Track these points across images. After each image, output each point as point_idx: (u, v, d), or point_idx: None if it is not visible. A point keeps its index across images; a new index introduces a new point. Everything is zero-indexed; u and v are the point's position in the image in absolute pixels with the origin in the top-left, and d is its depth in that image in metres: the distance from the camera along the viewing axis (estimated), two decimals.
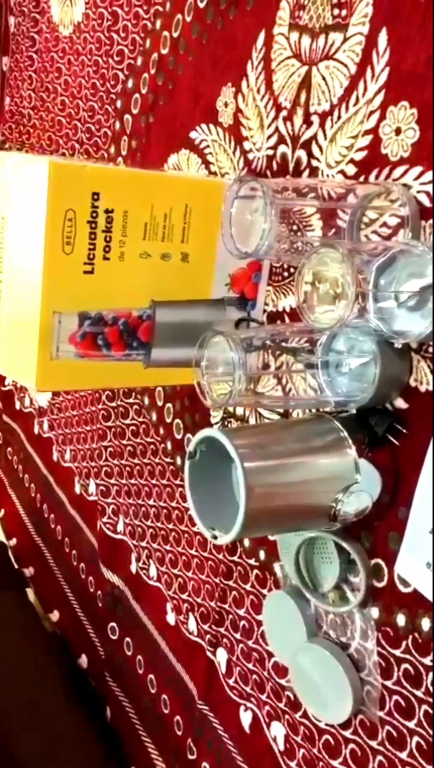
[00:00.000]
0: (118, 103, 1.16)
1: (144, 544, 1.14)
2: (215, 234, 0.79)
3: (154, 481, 1.11)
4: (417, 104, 0.65)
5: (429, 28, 0.63)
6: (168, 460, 1.06)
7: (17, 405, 1.66)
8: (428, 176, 0.64)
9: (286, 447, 0.66)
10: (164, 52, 1.03)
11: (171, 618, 1.08)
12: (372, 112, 0.69)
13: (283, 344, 0.78)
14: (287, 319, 0.82)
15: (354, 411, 0.68)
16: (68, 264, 0.71)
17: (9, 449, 1.74)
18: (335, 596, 0.76)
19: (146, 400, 1.11)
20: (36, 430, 1.56)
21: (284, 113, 0.80)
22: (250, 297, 0.84)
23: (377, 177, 0.69)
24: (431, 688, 0.66)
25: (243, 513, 0.62)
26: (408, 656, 0.68)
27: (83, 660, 1.36)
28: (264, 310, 0.85)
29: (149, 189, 0.74)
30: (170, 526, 1.07)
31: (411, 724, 0.68)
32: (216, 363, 0.64)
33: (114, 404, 1.22)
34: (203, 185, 0.78)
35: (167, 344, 0.80)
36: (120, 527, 1.21)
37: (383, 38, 0.67)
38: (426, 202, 0.64)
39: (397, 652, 0.69)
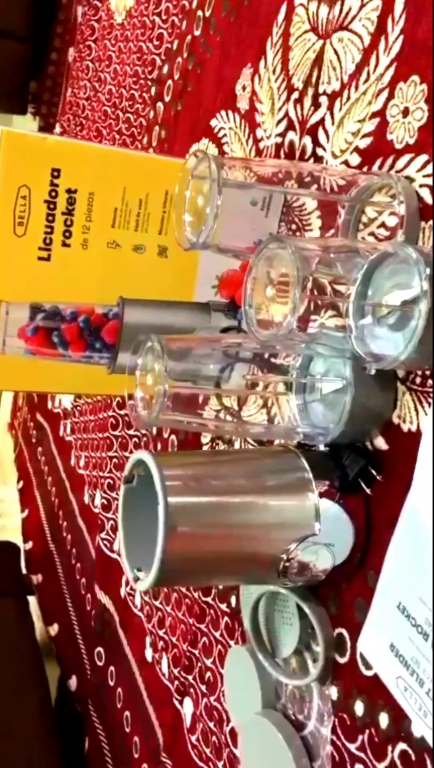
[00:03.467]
0: (153, 90, 1.08)
1: None
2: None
3: None
4: (428, 80, 0.53)
5: None
6: None
7: (49, 404, 1.61)
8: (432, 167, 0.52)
9: (230, 483, 0.55)
10: (197, 33, 0.94)
11: (148, 654, 0.97)
12: (380, 91, 0.57)
13: (272, 360, 0.67)
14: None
15: (322, 446, 0.56)
16: (19, 247, 0.63)
17: (39, 449, 1.68)
18: (296, 664, 0.64)
19: None
20: (61, 432, 1.50)
21: (295, 95, 0.69)
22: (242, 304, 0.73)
23: (380, 168, 0.57)
24: None
25: (160, 555, 0.51)
26: (362, 755, 0.55)
27: (72, 682, 1.27)
28: (258, 320, 0.74)
29: (121, 170, 0.65)
30: None
31: None
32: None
33: (123, 412, 1.13)
34: None
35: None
36: (116, 546, 1.12)
37: (400, 1, 0.56)
38: (428, 198, 0.52)
39: (352, 747, 0.56)
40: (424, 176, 0.52)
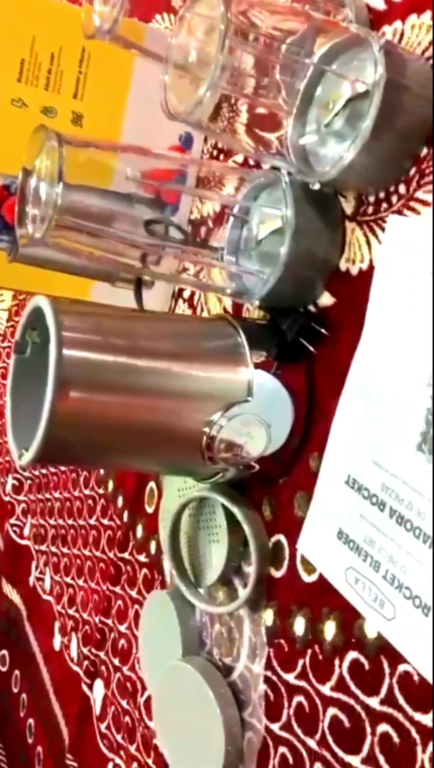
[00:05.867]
0: None
1: (44, 548, 0.91)
2: (124, 97, 0.60)
3: (63, 468, 0.89)
4: None
5: None
6: None
7: None
8: None
9: (145, 343, 0.45)
10: None
11: (57, 642, 0.84)
12: None
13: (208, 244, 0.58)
14: (211, 224, 0.62)
15: (256, 302, 0.47)
16: None
17: None
18: (224, 596, 0.53)
19: None
20: None
21: None
22: (170, 201, 0.64)
23: None
24: (329, 736, 0.42)
25: (47, 415, 0.40)
26: (303, 683, 0.44)
27: None
28: (189, 220, 0.65)
29: (30, 14, 0.56)
30: (70, 521, 0.84)
31: None
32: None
33: None
34: None
35: None
36: (26, 531, 0.99)
37: None
38: (379, 5, 0.45)
39: (290, 678, 0.45)
40: None
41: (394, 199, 0.42)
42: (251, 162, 0.55)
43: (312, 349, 0.45)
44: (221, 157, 0.62)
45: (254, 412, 0.45)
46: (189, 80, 0.45)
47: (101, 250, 0.47)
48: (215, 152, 0.63)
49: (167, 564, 0.60)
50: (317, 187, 0.41)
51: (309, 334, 0.46)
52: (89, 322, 0.44)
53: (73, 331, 0.43)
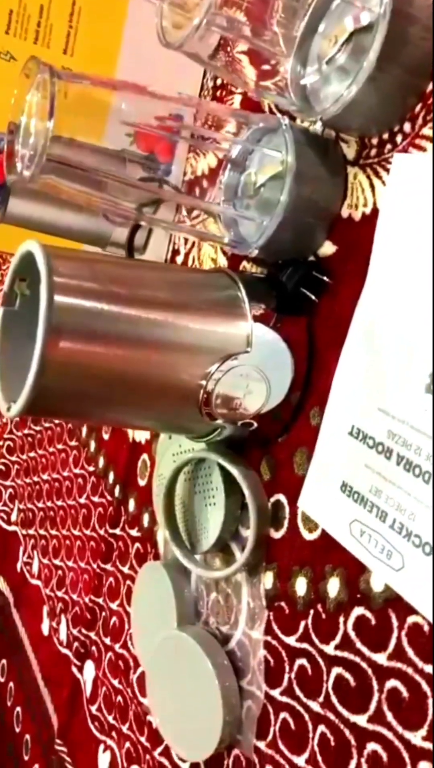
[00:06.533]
0: None
1: (32, 531, 0.89)
2: (115, 55, 0.59)
3: (51, 449, 0.87)
4: None
5: None
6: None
7: None
8: None
9: (141, 291, 0.43)
10: None
11: (45, 626, 0.81)
12: None
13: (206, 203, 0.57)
14: (205, 184, 0.60)
15: (253, 252, 0.45)
16: None
17: None
18: (221, 562, 0.51)
19: None
20: None
21: None
22: (163, 160, 0.63)
23: None
24: (334, 697, 0.40)
25: (37, 362, 0.38)
26: (305, 645, 0.42)
27: None
28: (183, 181, 0.63)
29: None
30: (59, 502, 0.82)
31: (301, 761, 0.42)
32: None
33: None
34: None
35: (32, 195, 0.58)
36: (14, 516, 0.97)
37: None
38: None
39: (291, 640, 0.43)
40: None
41: (399, 138, 0.40)
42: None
43: (313, 298, 0.44)
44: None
45: (252, 365, 0.43)
46: (185, 23, 0.44)
47: (93, 196, 0.46)
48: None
49: (161, 531, 0.59)
50: (319, 126, 0.40)
51: (310, 283, 0.44)
52: (83, 268, 0.43)
53: (66, 277, 0.41)
